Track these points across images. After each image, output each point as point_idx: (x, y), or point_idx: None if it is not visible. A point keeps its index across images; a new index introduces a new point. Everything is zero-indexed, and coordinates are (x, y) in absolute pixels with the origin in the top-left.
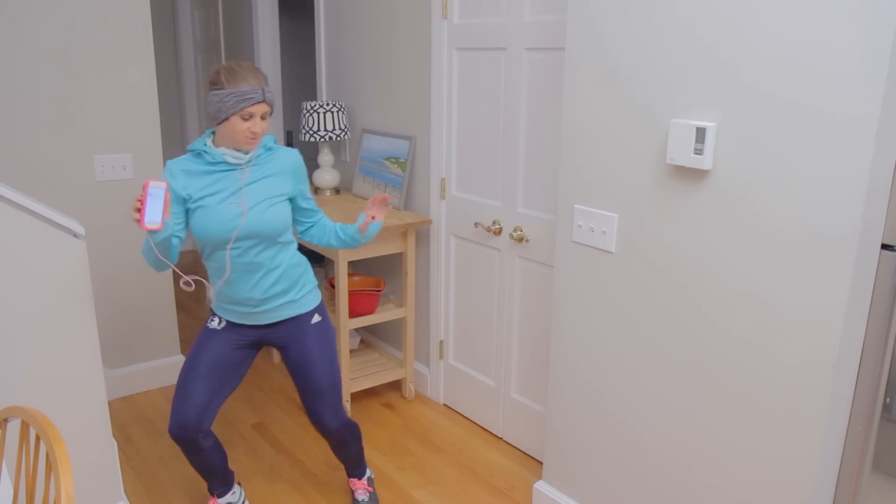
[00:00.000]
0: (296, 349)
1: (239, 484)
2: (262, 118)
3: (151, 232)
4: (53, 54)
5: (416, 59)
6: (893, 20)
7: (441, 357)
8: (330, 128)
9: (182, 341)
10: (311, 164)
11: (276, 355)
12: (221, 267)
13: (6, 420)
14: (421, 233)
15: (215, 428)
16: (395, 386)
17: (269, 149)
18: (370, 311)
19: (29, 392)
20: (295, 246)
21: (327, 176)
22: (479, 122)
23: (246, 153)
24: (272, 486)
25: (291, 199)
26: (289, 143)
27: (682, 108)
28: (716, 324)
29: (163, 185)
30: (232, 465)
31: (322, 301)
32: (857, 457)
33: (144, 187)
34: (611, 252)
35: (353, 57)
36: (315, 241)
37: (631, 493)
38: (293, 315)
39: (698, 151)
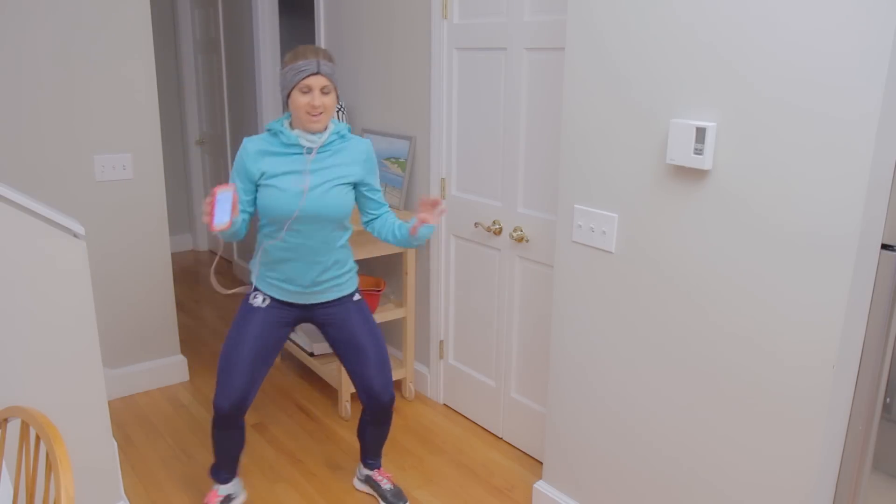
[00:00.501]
0: (341, 328)
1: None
2: (324, 93)
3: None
4: (54, 54)
5: (416, 59)
6: (893, 20)
7: (441, 357)
8: None
9: (182, 341)
10: None
11: None
12: (280, 245)
13: (6, 420)
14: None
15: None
16: (396, 386)
17: (343, 136)
18: (370, 311)
19: (29, 392)
20: (351, 232)
21: None
22: (479, 122)
23: (318, 136)
24: (272, 486)
25: (358, 189)
26: None
27: (682, 108)
28: (716, 323)
29: (230, 189)
30: None
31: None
32: (857, 457)
33: (213, 194)
34: (611, 252)
35: (353, 57)
36: (375, 234)
37: (631, 492)
38: (338, 297)
39: (698, 151)
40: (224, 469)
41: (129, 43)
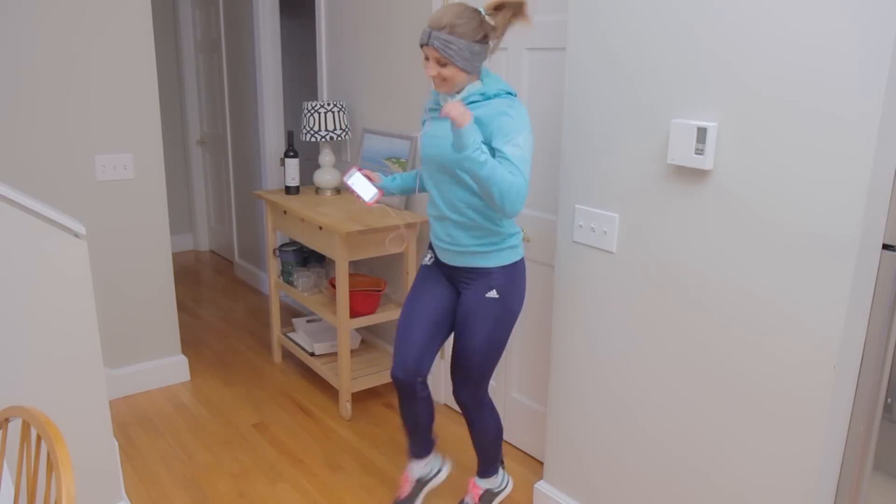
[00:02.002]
0: (462, 310)
1: (438, 456)
2: (440, 63)
3: (385, 195)
4: (55, 54)
5: (416, 58)
6: (894, 21)
7: (441, 357)
8: (331, 128)
9: (183, 341)
10: (312, 164)
11: (276, 354)
12: (428, 195)
13: (7, 420)
14: (422, 233)
15: (213, 425)
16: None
17: (484, 94)
18: (371, 311)
19: (30, 392)
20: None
21: (328, 176)
22: None
23: (453, 96)
24: (273, 486)
25: (490, 148)
26: (290, 144)
27: (683, 108)
28: (717, 323)
29: (353, 171)
30: (232, 466)
31: (513, 271)
32: (858, 457)
33: (348, 185)
34: (612, 252)
35: (353, 57)
36: None
37: (632, 492)
38: (471, 265)
39: (699, 151)
40: (415, 443)
41: (130, 43)
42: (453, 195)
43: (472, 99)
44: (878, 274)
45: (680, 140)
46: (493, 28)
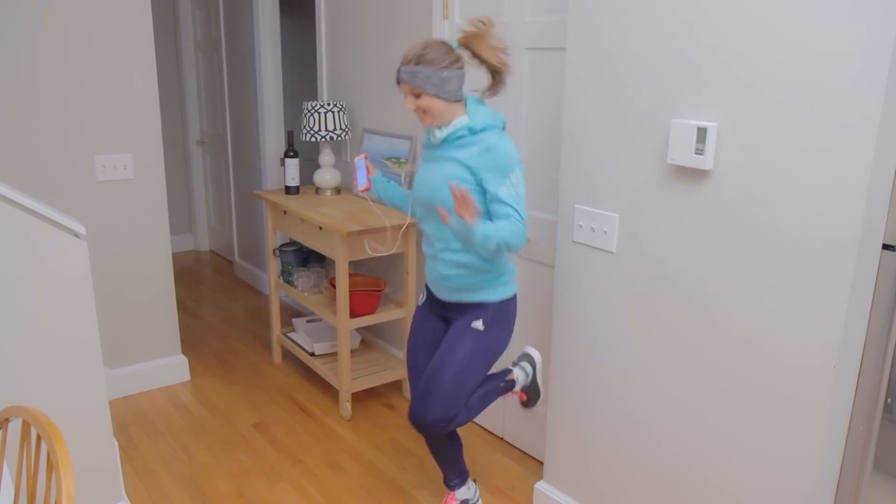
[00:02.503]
0: (446, 337)
1: (474, 481)
2: (415, 95)
3: (369, 191)
4: (55, 55)
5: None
6: (894, 22)
7: None
8: (331, 128)
9: (183, 341)
10: (312, 164)
11: (276, 354)
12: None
13: (7, 420)
14: (422, 233)
15: (213, 425)
16: (396, 386)
17: (471, 129)
18: (371, 311)
19: (30, 392)
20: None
21: (328, 176)
22: None
23: (441, 130)
24: (273, 486)
25: (482, 189)
26: (290, 144)
27: (683, 108)
28: (716, 324)
29: (361, 156)
30: (232, 466)
31: (502, 308)
32: (858, 457)
33: (354, 164)
34: (612, 252)
35: (354, 57)
36: None
37: (632, 492)
38: (463, 301)
39: (699, 151)
40: (449, 475)
41: (130, 43)
42: (446, 233)
43: (458, 134)
44: (878, 274)
45: (680, 140)
46: (465, 53)
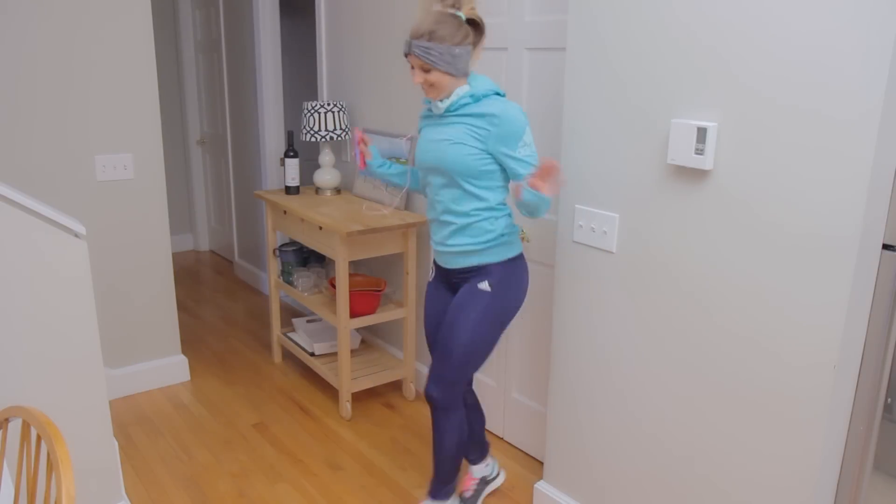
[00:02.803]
0: (454, 303)
1: (493, 458)
2: (425, 70)
3: (365, 169)
4: (55, 55)
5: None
6: (894, 21)
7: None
8: (331, 128)
9: (183, 341)
10: (312, 164)
11: (276, 354)
12: (427, 199)
13: (7, 420)
14: (422, 233)
15: (213, 425)
16: (396, 386)
17: (473, 96)
18: (371, 311)
19: (30, 392)
20: (494, 203)
21: (328, 176)
22: None
23: (442, 102)
24: (273, 486)
25: (500, 155)
26: (290, 144)
27: (683, 108)
28: (717, 323)
29: (354, 130)
30: (232, 466)
31: (509, 267)
32: (858, 457)
33: (359, 134)
34: (612, 252)
35: (353, 57)
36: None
37: (632, 492)
38: (468, 265)
39: (699, 151)
40: (471, 449)
41: (130, 43)
42: (448, 196)
43: (462, 101)
44: (878, 274)
45: (680, 140)
46: (476, 28)
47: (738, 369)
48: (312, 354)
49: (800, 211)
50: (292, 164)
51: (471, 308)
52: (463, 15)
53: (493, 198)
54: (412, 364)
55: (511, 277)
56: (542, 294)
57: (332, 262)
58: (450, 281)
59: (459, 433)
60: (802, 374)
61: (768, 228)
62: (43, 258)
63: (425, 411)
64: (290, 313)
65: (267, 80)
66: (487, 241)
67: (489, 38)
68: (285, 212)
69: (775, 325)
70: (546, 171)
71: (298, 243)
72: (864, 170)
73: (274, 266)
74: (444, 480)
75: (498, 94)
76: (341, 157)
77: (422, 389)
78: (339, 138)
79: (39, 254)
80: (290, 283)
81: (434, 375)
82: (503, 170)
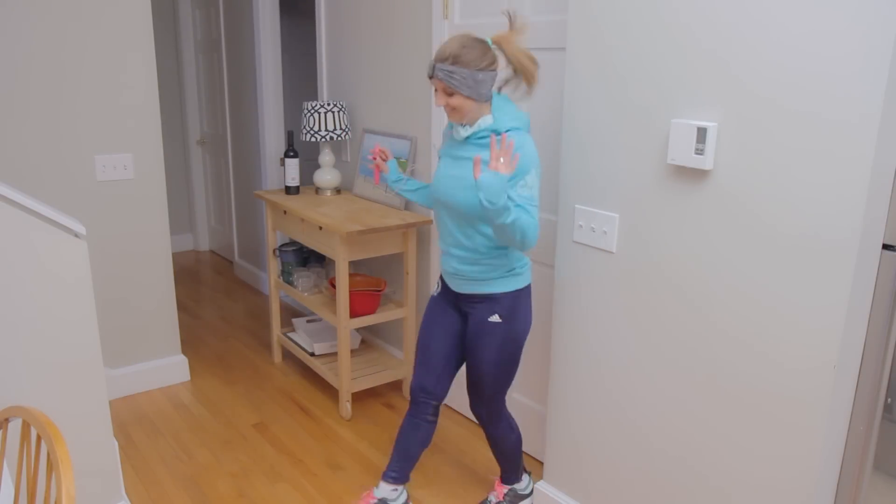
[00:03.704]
0: (469, 333)
1: (529, 474)
2: (448, 93)
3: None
4: (54, 54)
5: (417, 59)
6: (894, 22)
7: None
8: (331, 128)
9: (183, 341)
10: (312, 164)
11: (276, 354)
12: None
13: (7, 420)
14: (422, 233)
15: (213, 425)
16: (396, 386)
17: (496, 132)
18: (371, 311)
19: (30, 392)
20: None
21: (328, 176)
22: None
23: (466, 128)
24: (273, 486)
25: None
26: (290, 144)
27: (682, 108)
28: (716, 324)
29: (375, 147)
30: (232, 466)
31: (516, 296)
32: (858, 457)
33: (378, 150)
34: (612, 252)
35: (354, 57)
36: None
37: (632, 493)
38: (477, 292)
39: (699, 151)
40: (396, 466)
41: (130, 43)
42: (458, 231)
43: (481, 135)
44: (878, 274)
45: (680, 140)
46: (502, 55)
47: (738, 370)
48: (312, 354)
49: (800, 211)
50: (292, 164)
51: (488, 341)
52: (490, 40)
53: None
54: (412, 364)
55: (519, 306)
56: (541, 294)
57: (331, 262)
58: (456, 303)
59: (513, 434)
60: (802, 375)
61: (768, 228)
62: (43, 258)
63: None
64: (290, 313)
65: (267, 79)
66: (497, 274)
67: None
68: (285, 212)
69: (775, 326)
70: (503, 151)
71: (298, 243)
72: (864, 170)
73: (274, 266)
74: (511, 470)
75: (519, 128)
76: (341, 158)
77: None
78: (339, 138)
79: (39, 254)
80: (290, 283)
81: (475, 398)
82: None
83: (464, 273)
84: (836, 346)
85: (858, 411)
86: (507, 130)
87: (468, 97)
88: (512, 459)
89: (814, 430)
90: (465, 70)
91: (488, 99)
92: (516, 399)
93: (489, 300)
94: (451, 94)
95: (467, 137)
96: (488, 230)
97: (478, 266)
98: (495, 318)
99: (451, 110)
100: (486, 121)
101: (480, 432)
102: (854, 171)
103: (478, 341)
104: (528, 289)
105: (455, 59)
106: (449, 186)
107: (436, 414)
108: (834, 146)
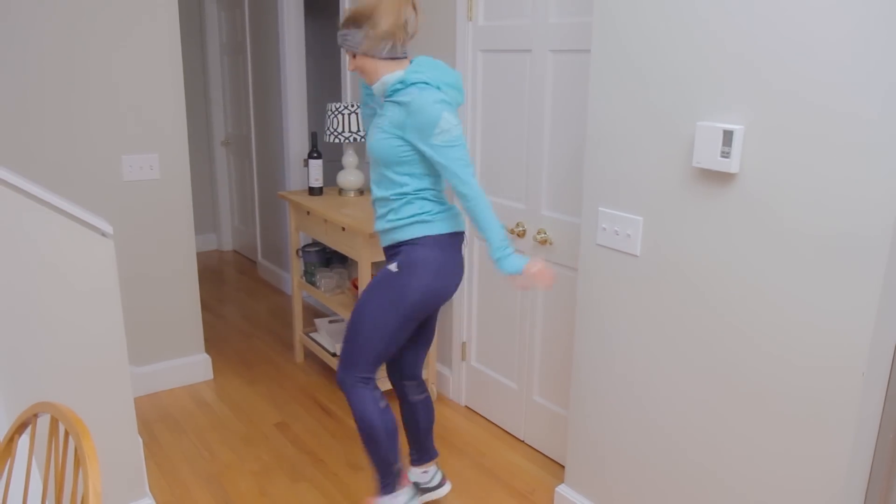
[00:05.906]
0: None
1: (438, 468)
2: (352, 57)
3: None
4: (84, 57)
5: (441, 59)
6: None
7: (463, 359)
8: (354, 129)
9: (206, 340)
10: (336, 166)
11: (298, 354)
12: None
13: (36, 416)
14: None
15: (235, 423)
16: None
17: (403, 82)
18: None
19: (57, 388)
20: (412, 190)
21: (351, 177)
22: (503, 124)
23: (378, 86)
24: (294, 485)
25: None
26: (313, 145)
27: (708, 110)
28: (740, 328)
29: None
30: (254, 464)
31: (419, 248)
32: (886, 465)
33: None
34: (636, 255)
35: None
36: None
37: (654, 496)
38: (389, 243)
39: (725, 154)
40: (412, 449)
41: (157, 45)
42: (377, 182)
43: (393, 88)
44: None
45: (705, 143)
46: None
47: (763, 375)
48: (334, 355)
49: (828, 213)
50: (316, 166)
51: (374, 288)
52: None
53: (414, 184)
54: (433, 365)
55: (419, 258)
56: (564, 297)
57: (354, 262)
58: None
59: (364, 422)
60: (830, 381)
61: (795, 232)
62: (71, 257)
63: (447, 412)
64: (313, 313)
65: (291, 81)
66: (403, 222)
67: (514, 40)
68: (308, 212)
69: (802, 331)
70: (538, 279)
71: (321, 244)
72: (894, 169)
73: (297, 266)
74: (380, 472)
75: (426, 83)
76: (364, 159)
77: (443, 391)
78: (363, 140)
79: (67, 252)
80: (313, 284)
81: (340, 355)
82: (425, 157)
83: (382, 227)
84: (864, 352)
85: (888, 418)
86: (414, 84)
87: (365, 55)
88: (371, 454)
89: (841, 436)
90: (353, 30)
91: (392, 57)
92: (537, 401)
93: (397, 252)
94: (353, 56)
95: (385, 96)
96: (398, 177)
97: (389, 216)
98: (393, 267)
99: (362, 73)
100: (393, 76)
101: (502, 434)
102: (884, 170)
103: (367, 287)
104: (441, 240)
105: (346, 23)
106: (369, 137)
107: (418, 390)
108: (862, 147)
